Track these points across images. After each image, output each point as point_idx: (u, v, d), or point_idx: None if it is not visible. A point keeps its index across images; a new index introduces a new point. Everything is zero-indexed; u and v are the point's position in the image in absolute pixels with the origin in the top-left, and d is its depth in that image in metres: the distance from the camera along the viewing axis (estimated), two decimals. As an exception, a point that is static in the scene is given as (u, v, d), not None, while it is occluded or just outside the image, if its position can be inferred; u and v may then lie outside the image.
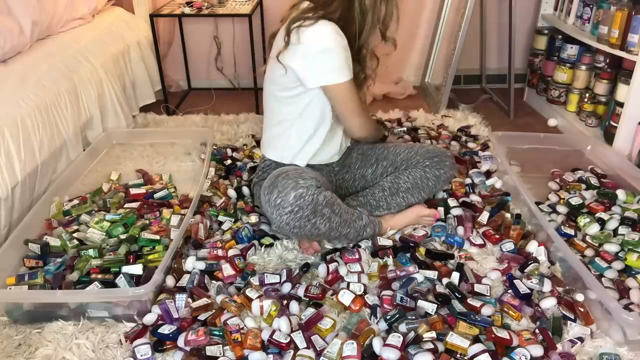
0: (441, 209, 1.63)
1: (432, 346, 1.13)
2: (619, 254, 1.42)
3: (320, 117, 1.45)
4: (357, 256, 1.42)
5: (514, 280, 1.33)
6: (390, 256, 1.45)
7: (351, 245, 1.50)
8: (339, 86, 1.36)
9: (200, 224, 1.54)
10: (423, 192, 1.60)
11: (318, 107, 1.43)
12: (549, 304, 1.27)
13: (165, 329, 1.19)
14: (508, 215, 1.64)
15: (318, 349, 1.14)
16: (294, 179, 1.32)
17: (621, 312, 1.14)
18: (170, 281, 1.35)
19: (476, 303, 1.25)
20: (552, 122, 2.33)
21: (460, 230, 1.55)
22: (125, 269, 1.34)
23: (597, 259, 1.40)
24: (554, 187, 1.79)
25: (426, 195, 1.62)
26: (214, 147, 2.08)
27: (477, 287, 1.32)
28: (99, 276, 1.33)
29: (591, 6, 2.22)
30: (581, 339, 1.17)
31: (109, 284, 1.30)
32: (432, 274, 1.36)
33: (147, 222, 1.55)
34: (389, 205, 1.57)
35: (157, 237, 1.46)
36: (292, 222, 1.32)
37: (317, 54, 1.32)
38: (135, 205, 1.64)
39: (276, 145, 1.53)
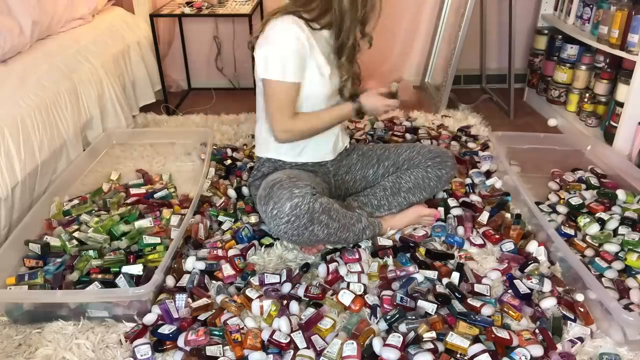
0: (441, 209, 1.63)
1: (432, 346, 1.13)
2: (619, 254, 1.42)
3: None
4: (357, 256, 1.42)
5: (514, 280, 1.33)
6: (390, 256, 1.45)
7: (351, 245, 1.50)
8: (269, 82, 1.35)
9: (200, 224, 1.54)
10: (424, 192, 1.60)
11: None
12: (549, 304, 1.27)
13: (165, 329, 1.19)
14: (508, 215, 1.64)
15: (318, 349, 1.14)
16: (288, 188, 1.31)
17: (621, 312, 1.14)
18: (170, 281, 1.35)
19: (476, 303, 1.25)
20: (552, 122, 2.33)
21: (460, 230, 1.55)
22: (125, 269, 1.34)
23: (597, 259, 1.40)
24: (554, 187, 1.79)
25: (427, 195, 1.63)
26: (214, 147, 2.08)
27: (477, 287, 1.32)
28: (99, 276, 1.33)
29: (591, 6, 2.22)
30: (581, 339, 1.17)
31: (109, 284, 1.30)
32: (432, 274, 1.36)
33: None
34: (390, 205, 1.58)
35: (158, 238, 1.46)
36: (289, 231, 1.33)
37: (267, 45, 1.33)
38: (135, 198, 1.67)
39: (260, 140, 1.55)
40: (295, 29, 1.32)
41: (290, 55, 1.32)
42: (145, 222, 1.52)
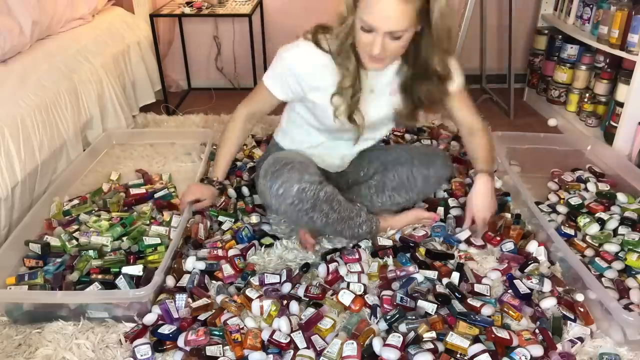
0: (441, 209, 1.63)
1: (432, 346, 1.13)
2: (619, 254, 1.42)
3: (305, 119, 1.46)
4: (357, 256, 1.42)
5: (514, 280, 1.33)
6: (390, 256, 1.44)
7: (351, 245, 1.50)
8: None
9: (200, 224, 1.54)
10: (411, 192, 1.54)
11: (302, 108, 1.44)
12: (549, 304, 1.27)
13: (165, 329, 1.19)
14: (508, 215, 1.64)
15: (318, 349, 1.14)
16: (299, 171, 1.31)
17: (621, 312, 1.14)
18: (170, 281, 1.35)
19: (476, 303, 1.25)
20: (552, 122, 2.33)
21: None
22: (125, 269, 1.33)
23: (597, 259, 1.40)
24: (554, 187, 1.79)
25: (415, 196, 1.57)
26: (214, 147, 2.08)
27: (477, 287, 1.32)
28: (99, 276, 1.33)
29: (591, 6, 2.22)
30: (581, 339, 1.17)
31: (109, 285, 1.30)
32: (432, 274, 1.36)
33: (147, 222, 1.55)
34: (374, 204, 1.54)
35: (158, 239, 1.46)
36: (289, 212, 1.34)
37: (275, 56, 1.39)
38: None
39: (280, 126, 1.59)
40: (298, 54, 1.31)
41: (278, 71, 1.35)
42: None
